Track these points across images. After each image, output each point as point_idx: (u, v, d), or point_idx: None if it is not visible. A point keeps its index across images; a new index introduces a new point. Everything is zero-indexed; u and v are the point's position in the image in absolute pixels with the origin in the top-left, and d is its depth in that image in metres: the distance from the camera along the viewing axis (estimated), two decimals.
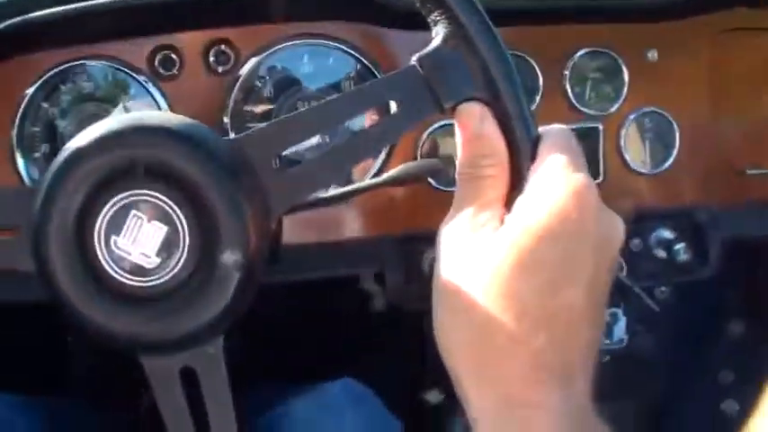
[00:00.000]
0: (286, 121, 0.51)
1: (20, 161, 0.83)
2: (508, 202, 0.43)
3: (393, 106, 0.49)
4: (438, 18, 0.48)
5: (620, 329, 0.90)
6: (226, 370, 0.50)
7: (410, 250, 0.87)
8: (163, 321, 0.47)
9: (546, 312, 0.39)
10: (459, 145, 0.45)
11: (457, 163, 0.45)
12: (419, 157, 0.88)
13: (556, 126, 0.45)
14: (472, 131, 0.44)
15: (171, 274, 0.47)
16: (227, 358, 0.50)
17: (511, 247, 0.40)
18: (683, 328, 1.15)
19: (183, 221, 0.47)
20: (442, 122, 0.87)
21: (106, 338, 0.48)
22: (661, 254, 0.93)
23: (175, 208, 0.47)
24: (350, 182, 0.85)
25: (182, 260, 0.47)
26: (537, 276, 0.39)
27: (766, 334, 1.13)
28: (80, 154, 0.47)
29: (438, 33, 0.48)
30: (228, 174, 0.47)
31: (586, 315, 0.40)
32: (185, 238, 0.47)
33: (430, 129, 0.88)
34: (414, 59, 0.48)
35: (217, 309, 0.47)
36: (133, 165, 0.47)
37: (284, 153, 0.75)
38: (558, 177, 0.41)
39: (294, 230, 0.81)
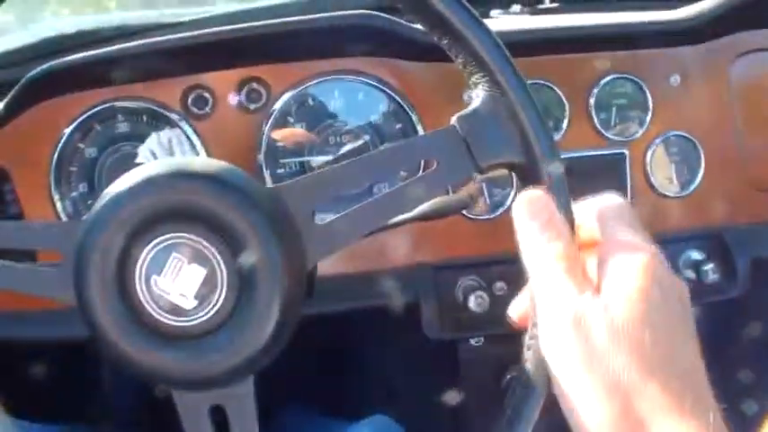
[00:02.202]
0: (326, 173, 0.52)
1: (57, 200, 0.84)
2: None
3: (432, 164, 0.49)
4: (479, 81, 0.49)
5: None
6: (256, 409, 0.51)
7: (444, 279, 0.88)
8: (197, 360, 0.48)
9: (675, 364, 0.42)
10: (527, 230, 0.45)
11: (525, 249, 0.45)
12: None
13: (611, 197, 0.47)
14: (545, 218, 0.45)
15: (207, 316, 0.48)
16: (263, 387, 0.51)
17: (625, 320, 0.42)
18: (713, 343, 1.14)
19: (222, 266, 0.48)
20: None
21: (139, 373, 0.49)
22: (690, 275, 0.93)
23: (215, 252, 0.48)
24: None
25: (218, 303, 0.48)
26: (654, 336, 0.42)
27: None
28: (125, 195, 0.48)
29: (478, 96, 0.49)
30: (268, 223, 0.48)
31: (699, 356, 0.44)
32: (223, 283, 0.48)
33: None
34: (453, 120, 0.49)
35: (251, 351, 0.48)
36: (176, 209, 0.48)
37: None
38: (640, 252, 0.44)
39: (328, 262, 0.82)
